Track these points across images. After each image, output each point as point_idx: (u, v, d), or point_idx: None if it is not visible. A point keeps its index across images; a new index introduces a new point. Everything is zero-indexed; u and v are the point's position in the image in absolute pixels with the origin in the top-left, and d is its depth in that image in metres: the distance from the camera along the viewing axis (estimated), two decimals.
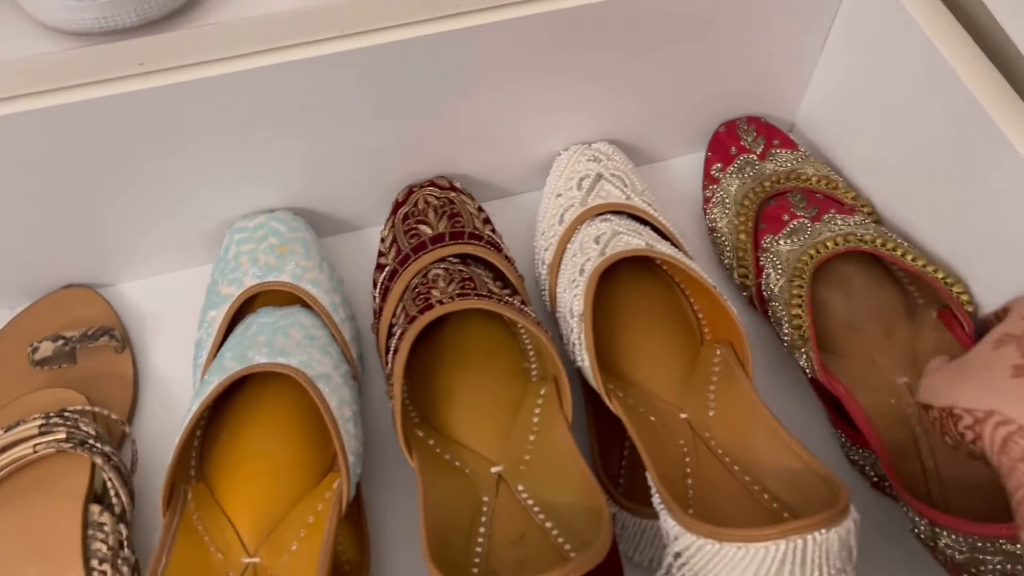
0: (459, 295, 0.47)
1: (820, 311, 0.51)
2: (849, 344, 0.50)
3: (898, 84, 0.50)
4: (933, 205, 0.50)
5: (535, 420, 0.46)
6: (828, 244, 0.50)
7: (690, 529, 0.37)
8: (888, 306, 0.51)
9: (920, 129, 0.50)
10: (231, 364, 0.46)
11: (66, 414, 0.47)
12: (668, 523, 0.39)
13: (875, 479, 0.49)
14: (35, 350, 0.51)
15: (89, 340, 0.52)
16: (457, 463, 0.45)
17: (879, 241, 0.50)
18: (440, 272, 0.49)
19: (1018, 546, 0.35)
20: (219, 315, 0.50)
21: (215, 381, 0.45)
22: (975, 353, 0.34)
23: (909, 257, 0.49)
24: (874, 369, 0.48)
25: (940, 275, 0.48)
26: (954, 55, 0.46)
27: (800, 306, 0.49)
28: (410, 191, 0.55)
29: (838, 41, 0.55)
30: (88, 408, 0.48)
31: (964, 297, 0.48)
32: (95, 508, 0.45)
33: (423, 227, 0.53)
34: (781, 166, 0.57)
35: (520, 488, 0.43)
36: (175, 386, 0.53)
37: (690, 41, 0.53)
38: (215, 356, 0.48)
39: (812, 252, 0.50)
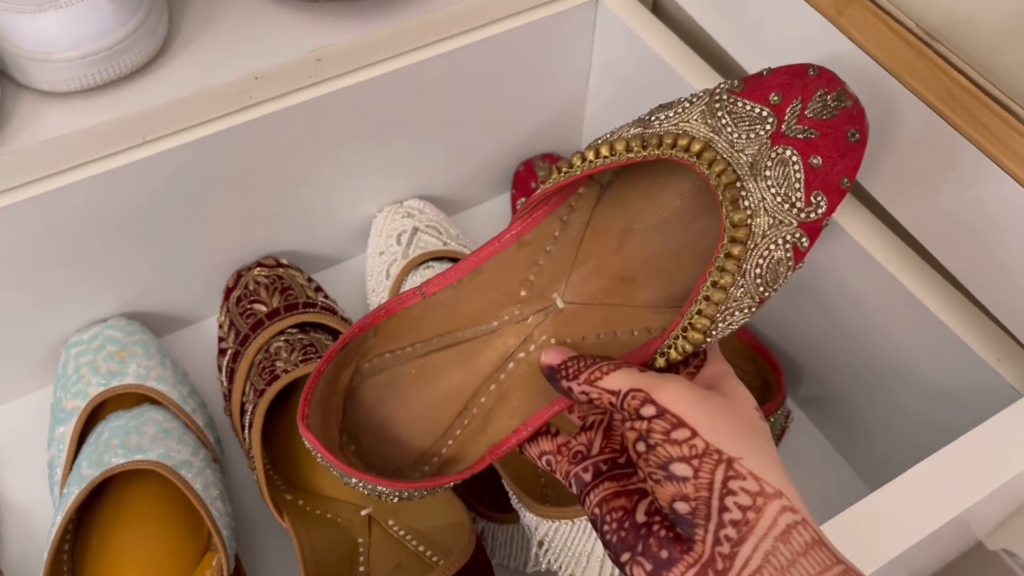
0: (302, 361, 0.50)
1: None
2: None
3: (648, 103, 0.58)
4: None
5: None
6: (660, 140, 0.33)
7: (546, 516, 0.41)
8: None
9: None
10: (88, 472, 0.46)
11: None
12: (527, 517, 0.43)
13: None
14: None
15: None
16: (328, 515, 0.47)
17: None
18: (281, 344, 0.52)
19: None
20: (68, 430, 0.51)
21: (75, 492, 0.46)
22: (747, 409, 0.30)
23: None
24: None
25: None
26: (686, 70, 0.54)
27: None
28: (239, 275, 0.58)
29: (598, 78, 0.63)
30: None
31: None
32: None
33: (257, 306, 0.55)
34: None
35: (391, 523, 0.46)
36: (37, 509, 0.53)
37: (477, 99, 0.59)
38: (71, 469, 0.49)
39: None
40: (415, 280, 0.56)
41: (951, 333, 0.44)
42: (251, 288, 0.56)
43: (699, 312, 0.31)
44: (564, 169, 0.33)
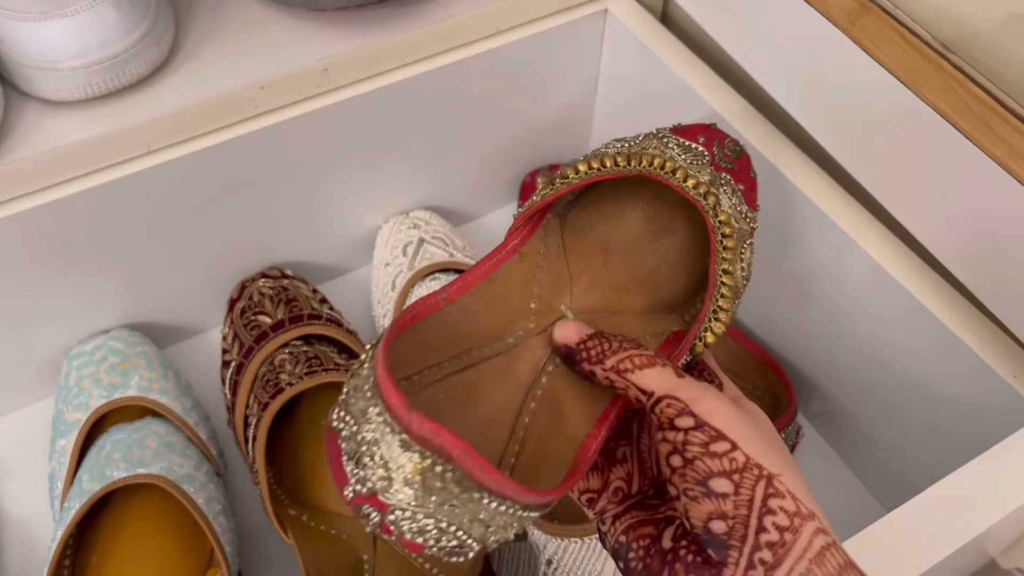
0: (307, 374, 0.50)
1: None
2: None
3: (656, 114, 0.58)
4: None
5: None
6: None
7: (555, 534, 0.40)
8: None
9: None
10: (90, 486, 0.46)
11: None
12: (535, 535, 0.42)
13: None
14: None
15: None
16: (333, 531, 0.47)
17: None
18: (286, 357, 0.51)
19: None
20: (69, 443, 0.50)
21: (76, 506, 0.45)
22: (772, 429, 0.30)
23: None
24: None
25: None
26: (696, 82, 0.53)
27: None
28: (243, 286, 0.57)
29: (606, 89, 0.62)
30: None
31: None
32: None
33: (262, 317, 0.55)
34: None
35: None
36: (37, 523, 0.52)
37: (484, 109, 0.59)
38: (72, 483, 0.48)
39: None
40: (420, 292, 0.55)
41: (967, 349, 0.43)
42: (255, 299, 0.56)
43: (721, 295, 0.34)
44: (558, 182, 0.35)
